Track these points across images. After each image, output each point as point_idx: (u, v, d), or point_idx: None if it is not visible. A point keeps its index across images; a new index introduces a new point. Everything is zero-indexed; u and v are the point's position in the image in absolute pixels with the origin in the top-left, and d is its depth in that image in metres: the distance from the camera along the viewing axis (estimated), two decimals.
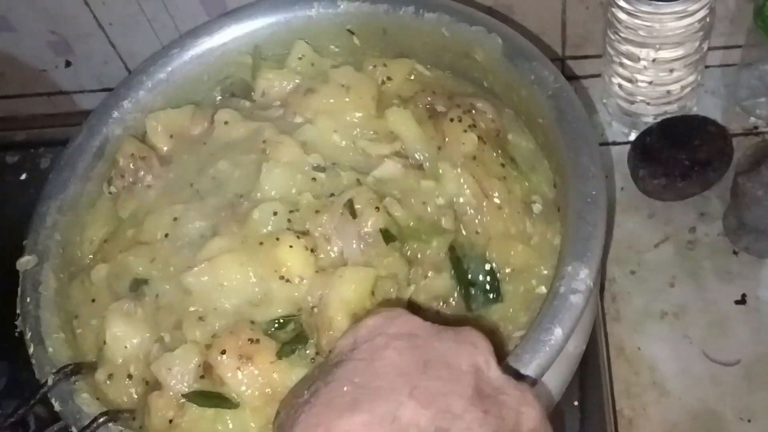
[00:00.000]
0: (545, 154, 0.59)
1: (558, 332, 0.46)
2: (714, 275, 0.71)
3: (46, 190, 0.60)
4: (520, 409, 0.39)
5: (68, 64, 0.88)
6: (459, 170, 0.57)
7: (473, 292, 0.54)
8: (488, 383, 0.39)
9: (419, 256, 0.54)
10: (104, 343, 0.53)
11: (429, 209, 0.56)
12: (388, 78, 0.63)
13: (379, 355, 0.39)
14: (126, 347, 0.53)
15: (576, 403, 0.62)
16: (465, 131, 0.58)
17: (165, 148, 0.63)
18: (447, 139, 0.58)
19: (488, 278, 0.55)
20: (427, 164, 0.58)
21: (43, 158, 0.84)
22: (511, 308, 0.54)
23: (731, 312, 0.69)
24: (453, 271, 0.55)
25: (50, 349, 0.53)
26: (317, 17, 0.65)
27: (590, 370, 0.64)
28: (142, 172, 0.61)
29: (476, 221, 0.56)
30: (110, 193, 0.63)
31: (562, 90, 0.56)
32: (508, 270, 0.55)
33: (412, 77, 0.64)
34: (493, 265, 0.55)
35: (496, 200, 0.56)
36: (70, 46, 0.86)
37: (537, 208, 0.58)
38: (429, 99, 0.62)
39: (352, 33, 0.65)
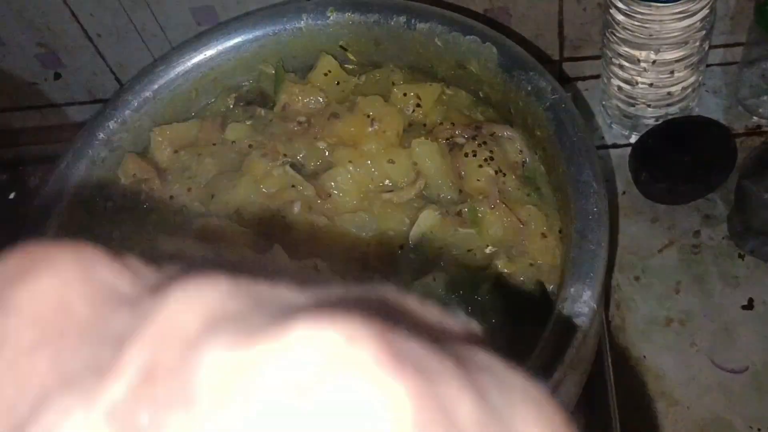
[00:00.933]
0: (545, 168, 0.57)
1: None
2: (720, 280, 0.69)
3: (32, 217, 0.58)
4: None
5: (58, 76, 0.86)
6: (494, 208, 0.54)
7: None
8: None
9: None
10: None
11: (477, 256, 0.53)
12: (418, 105, 0.61)
13: None
14: None
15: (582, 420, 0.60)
16: (480, 166, 0.56)
17: (167, 165, 0.61)
18: (463, 173, 0.56)
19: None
20: (465, 210, 0.55)
21: (32, 176, 0.83)
22: None
23: (738, 317, 0.67)
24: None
25: None
26: (307, 29, 0.63)
27: (595, 381, 0.62)
28: (143, 195, 0.60)
29: (526, 252, 0.54)
30: (105, 208, 0.60)
31: (561, 101, 0.54)
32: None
33: (440, 102, 0.62)
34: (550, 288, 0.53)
35: (534, 227, 0.54)
36: (59, 58, 0.84)
37: None
38: (449, 131, 0.59)
39: (345, 49, 0.64)
